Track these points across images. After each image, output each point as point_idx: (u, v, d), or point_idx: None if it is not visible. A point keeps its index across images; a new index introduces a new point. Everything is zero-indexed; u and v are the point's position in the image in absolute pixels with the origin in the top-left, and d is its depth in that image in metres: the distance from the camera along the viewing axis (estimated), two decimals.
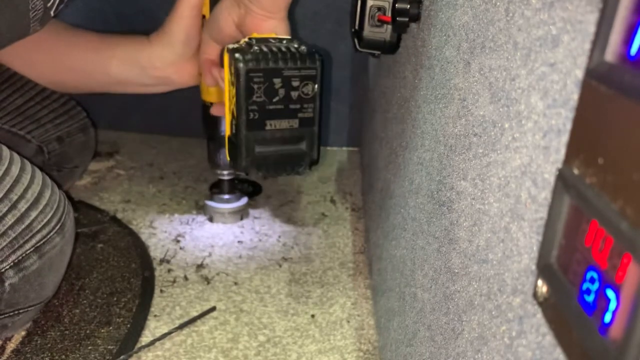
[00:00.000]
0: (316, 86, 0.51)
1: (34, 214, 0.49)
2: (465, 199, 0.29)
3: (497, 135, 0.25)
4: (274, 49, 0.49)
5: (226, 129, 0.53)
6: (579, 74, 0.18)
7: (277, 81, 0.49)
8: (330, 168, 0.94)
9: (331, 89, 0.95)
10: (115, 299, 0.58)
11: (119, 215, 0.75)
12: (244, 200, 0.76)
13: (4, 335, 0.51)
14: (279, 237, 0.73)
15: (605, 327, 0.14)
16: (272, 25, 0.54)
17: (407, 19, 0.45)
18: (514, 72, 0.23)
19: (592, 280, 0.15)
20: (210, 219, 0.75)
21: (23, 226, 0.48)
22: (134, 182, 0.85)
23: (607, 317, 0.14)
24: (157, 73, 0.67)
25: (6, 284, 0.47)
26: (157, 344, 0.53)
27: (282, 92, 0.49)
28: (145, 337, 0.54)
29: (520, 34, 0.23)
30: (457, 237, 0.30)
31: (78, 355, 0.50)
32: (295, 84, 0.50)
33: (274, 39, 0.52)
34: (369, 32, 0.52)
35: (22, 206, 0.48)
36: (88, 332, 0.53)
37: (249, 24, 0.54)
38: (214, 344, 0.53)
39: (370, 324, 0.57)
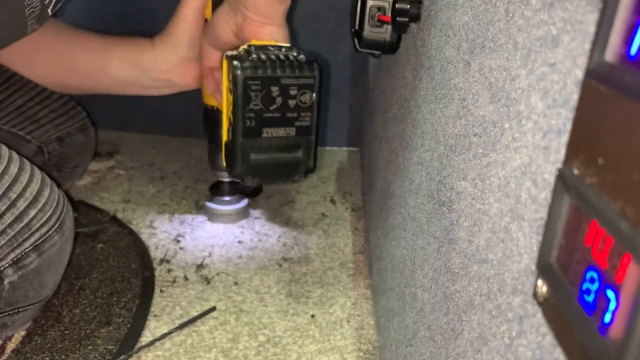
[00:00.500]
0: (314, 95, 0.51)
1: (32, 213, 0.49)
2: (465, 199, 0.29)
3: (497, 135, 0.25)
4: (273, 56, 0.49)
5: (223, 134, 0.53)
6: (579, 74, 0.18)
7: (275, 89, 0.49)
8: (330, 168, 0.94)
9: (331, 89, 0.95)
10: (115, 299, 0.58)
11: (119, 215, 0.75)
12: (244, 202, 0.76)
13: (4, 334, 0.51)
14: (279, 237, 0.73)
15: (605, 327, 0.14)
16: (270, 31, 0.54)
17: (407, 19, 0.45)
18: (514, 72, 0.23)
19: (592, 280, 0.15)
20: (210, 220, 0.75)
21: (22, 224, 0.48)
22: (134, 182, 0.85)
23: (607, 317, 0.14)
24: (160, 75, 0.67)
25: (5, 282, 0.47)
26: (157, 344, 0.53)
27: (279, 100, 0.49)
28: (145, 337, 0.54)
29: (520, 34, 0.23)
30: (457, 237, 0.30)
31: (78, 355, 0.50)
32: (293, 92, 0.50)
33: (273, 46, 0.51)
34: (369, 32, 0.52)
35: (21, 204, 0.48)
36: (88, 332, 0.53)
37: (246, 31, 0.54)
38: (214, 344, 0.53)
39: (370, 324, 0.57)
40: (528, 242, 0.21)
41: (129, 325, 0.54)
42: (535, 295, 0.19)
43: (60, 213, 0.52)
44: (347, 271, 0.66)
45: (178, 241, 0.70)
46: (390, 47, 0.53)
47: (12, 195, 0.48)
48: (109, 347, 0.51)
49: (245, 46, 0.51)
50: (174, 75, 0.67)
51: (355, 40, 0.53)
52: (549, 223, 0.18)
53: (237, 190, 0.75)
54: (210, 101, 0.68)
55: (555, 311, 0.18)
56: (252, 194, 0.83)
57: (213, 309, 0.58)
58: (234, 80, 0.48)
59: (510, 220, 0.22)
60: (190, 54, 0.65)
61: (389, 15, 0.50)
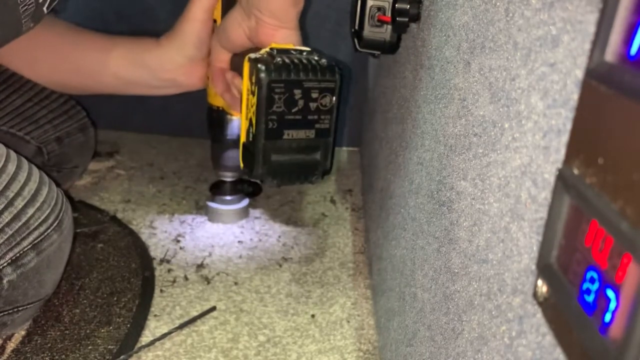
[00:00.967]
0: (334, 98, 0.52)
1: (30, 211, 0.49)
2: (465, 199, 0.29)
3: (497, 135, 0.25)
4: (296, 60, 0.50)
5: (241, 135, 0.54)
6: (579, 74, 0.18)
7: (297, 92, 0.50)
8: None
9: None
10: (115, 298, 0.58)
11: (119, 215, 0.75)
12: (246, 201, 0.76)
13: (4, 333, 0.51)
14: (279, 237, 0.73)
15: (605, 327, 0.14)
16: (284, 35, 0.54)
17: (407, 19, 0.45)
18: (514, 72, 0.23)
19: (592, 280, 0.15)
20: (211, 220, 0.75)
21: (20, 223, 0.48)
22: (134, 182, 0.85)
23: (607, 317, 0.14)
24: (166, 75, 0.67)
25: (4, 281, 0.47)
26: (157, 343, 0.53)
27: (301, 103, 0.50)
28: (145, 337, 0.54)
29: (520, 34, 0.23)
30: (457, 237, 0.30)
31: (78, 355, 0.50)
32: (314, 95, 0.51)
33: (294, 50, 0.52)
34: (369, 32, 0.52)
35: (19, 203, 0.48)
36: (88, 332, 0.53)
37: (260, 34, 0.54)
38: (214, 344, 0.53)
39: (370, 324, 0.57)
40: (528, 242, 0.21)
41: (129, 325, 0.54)
42: (535, 295, 0.19)
43: (59, 212, 0.52)
44: (347, 271, 0.66)
45: (178, 241, 0.70)
46: (390, 47, 0.53)
47: (10, 194, 0.48)
48: (109, 347, 0.51)
49: (267, 49, 0.51)
50: (179, 75, 0.67)
51: (355, 40, 0.53)
52: (549, 223, 0.18)
53: (238, 189, 0.75)
54: (216, 101, 0.68)
55: (555, 311, 0.18)
56: (252, 193, 0.83)
57: (213, 308, 0.58)
58: (258, 83, 0.49)
59: (510, 220, 0.22)
60: (197, 54, 0.65)
61: (389, 15, 0.50)
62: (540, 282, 0.19)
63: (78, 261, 0.64)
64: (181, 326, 0.55)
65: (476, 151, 0.27)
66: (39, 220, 0.49)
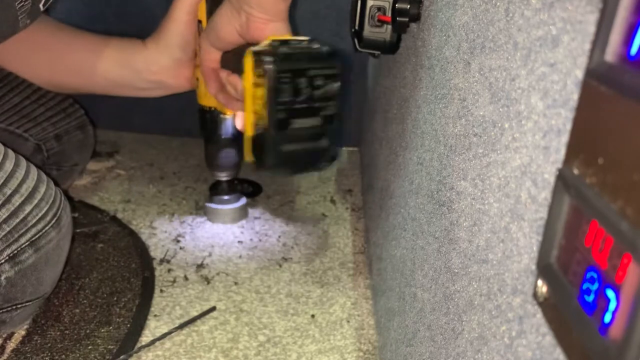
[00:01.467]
0: (338, 84, 0.52)
1: (28, 208, 0.49)
2: (465, 199, 0.29)
3: (497, 135, 0.25)
4: (298, 50, 0.51)
5: (246, 129, 0.54)
6: (579, 74, 0.18)
7: (303, 81, 0.50)
8: (330, 168, 0.94)
9: None
10: (115, 298, 0.58)
11: (119, 215, 0.75)
12: (243, 200, 0.76)
13: (4, 331, 0.51)
14: (279, 237, 0.73)
15: (605, 327, 0.14)
16: (275, 27, 0.54)
17: (407, 19, 0.45)
18: (514, 72, 0.23)
19: (592, 280, 0.15)
20: (211, 220, 0.75)
21: (17, 220, 0.48)
22: (134, 182, 0.85)
23: (607, 317, 0.14)
24: (152, 77, 0.67)
25: (2, 277, 0.47)
26: (157, 343, 0.53)
27: (307, 91, 0.51)
28: (145, 337, 0.54)
29: (520, 34, 0.23)
30: (457, 237, 0.30)
31: (78, 355, 0.50)
32: (319, 82, 0.51)
33: (294, 40, 0.52)
34: (369, 32, 0.52)
35: (16, 200, 0.48)
36: (88, 331, 0.53)
37: (251, 29, 0.54)
38: (214, 344, 0.53)
39: (370, 324, 0.57)
40: (528, 242, 0.21)
41: (129, 325, 0.54)
42: (535, 295, 0.19)
43: (57, 209, 0.52)
44: (347, 271, 0.66)
45: (178, 241, 0.70)
46: (390, 47, 0.53)
47: (8, 191, 0.48)
48: (109, 347, 0.51)
49: (268, 42, 0.51)
50: (166, 77, 0.67)
51: (355, 40, 0.53)
52: (549, 223, 0.18)
53: (236, 189, 0.75)
54: (208, 102, 0.68)
55: (555, 311, 0.18)
56: (252, 193, 0.83)
57: (213, 308, 0.58)
58: (266, 75, 0.49)
59: (510, 220, 0.22)
60: (182, 56, 0.65)
61: (389, 15, 0.50)
62: (540, 282, 0.19)
63: (78, 261, 0.64)
64: (181, 326, 0.55)
65: (476, 151, 0.27)
66: (37, 218, 0.49)
